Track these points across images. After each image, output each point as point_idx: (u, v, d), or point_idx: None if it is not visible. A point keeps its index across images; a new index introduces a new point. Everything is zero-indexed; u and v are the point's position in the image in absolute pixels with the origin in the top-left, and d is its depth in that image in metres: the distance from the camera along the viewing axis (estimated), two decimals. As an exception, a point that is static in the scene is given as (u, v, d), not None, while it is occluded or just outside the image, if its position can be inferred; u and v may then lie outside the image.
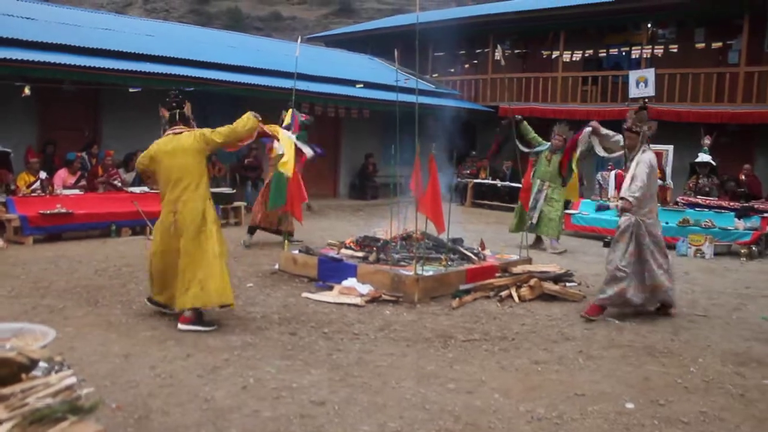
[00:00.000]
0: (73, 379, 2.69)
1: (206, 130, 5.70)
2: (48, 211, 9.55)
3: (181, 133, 5.71)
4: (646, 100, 13.57)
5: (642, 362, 5.09)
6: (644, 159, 6.28)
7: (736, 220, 11.28)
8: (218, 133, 5.68)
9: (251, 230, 9.72)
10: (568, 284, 7.43)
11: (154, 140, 5.90)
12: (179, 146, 5.61)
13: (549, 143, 10.45)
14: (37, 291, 6.61)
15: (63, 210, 9.67)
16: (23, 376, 2.68)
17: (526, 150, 10.64)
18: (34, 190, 10.26)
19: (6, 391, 2.55)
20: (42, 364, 2.87)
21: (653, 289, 6.37)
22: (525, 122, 10.65)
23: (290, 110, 8.97)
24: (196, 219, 5.52)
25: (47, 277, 7.27)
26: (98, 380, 4.13)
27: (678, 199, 12.65)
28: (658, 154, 13.96)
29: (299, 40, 9.18)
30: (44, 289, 6.68)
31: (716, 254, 10.56)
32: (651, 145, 13.32)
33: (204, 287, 5.36)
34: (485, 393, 4.28)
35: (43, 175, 10.66)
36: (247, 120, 5.76)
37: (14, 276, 7.25)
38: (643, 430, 3.85)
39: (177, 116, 5.82)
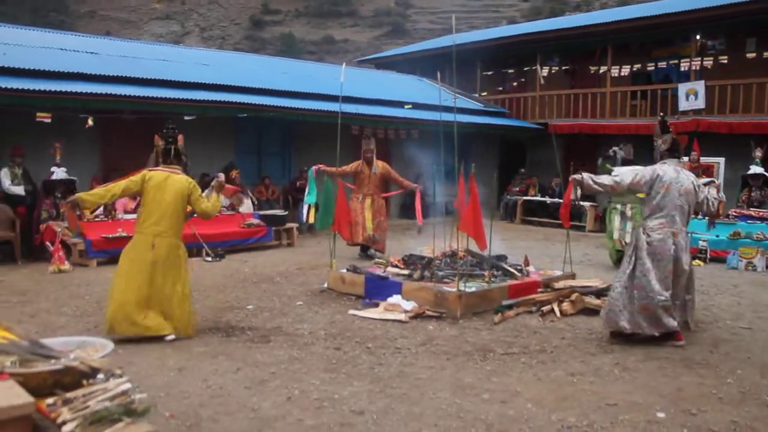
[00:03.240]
0: (127, 385, 2.98)
1: (195, 189, 6.13)
2: (110, 235, 10.07)
3: (174, 173, 6.10)
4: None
5: (678, 374, 5.16)
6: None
7: (789, 232, 11.11)
8: (198, 202, 6.08)
9: (363, 248, 10.89)
10: (611, 299, 7.50)
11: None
12: (172, 184, 6.02)
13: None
14: (100, 310, 7.01)
15: (124, 234, 10.15)
16: (84, 382, 2.99)
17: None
18: (97, 216, 10.80)
19: (70, 395, 2.86)
20: (99, 376, 3.19)
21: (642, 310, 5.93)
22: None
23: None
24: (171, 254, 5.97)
25: (109, 297, 7.69)
26: (154, 391, 4.44)
27: (730, 212, 12.51)
28: (710, 167, 13.90)
29: (343, 65, 9.51)
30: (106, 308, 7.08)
31: (769, 267, 10.43)
32: (702, 158, 13.15)
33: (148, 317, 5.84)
34: (519, 403, 4.45)
35: (106, 200, 11.21)
36: (214, 203, 6.19)
37: (79, 296, 7.71)
38: (672, 438, 3.96)
39: (172, 152, 6.18)
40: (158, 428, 3.79)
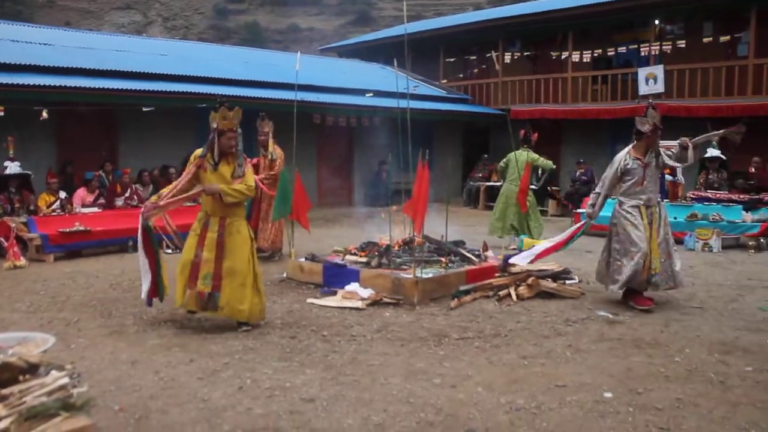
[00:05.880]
0: (66, 380, 2.96)
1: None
2: (67, 229, 9.92)
3: None
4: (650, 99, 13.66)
5: (628, 354, 5.26)
6: None
7: (743, 212, 11.34)
8: None
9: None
10: (567, 281, 7.62)
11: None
12: None
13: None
14: (54, 305, 6.94)
15: (81, 228, 10.03)
16: (21, 378, 2.96)
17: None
18: (54, 210, 10.64)
19: (6, 391, 2.83)
20: (42, 369, 3.15)
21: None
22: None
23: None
24: None
25: (65, 292, 7.61)
26: (105, 385, 4.41)
27: (688, 195, 12.73)
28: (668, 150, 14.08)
29: (298, 53, 9.47)
30: (61, 303, 7.00)
31: (724, 248, 10.64)
32: (662, 141, 13.45)
33: None
34: (469, 387, 4.49)
35: (62, 194, 11.05)
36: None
37: (34, 292, 7.60)
38: (617, 417, 4.02)
39: None
40: (105, 422, 3.79)
